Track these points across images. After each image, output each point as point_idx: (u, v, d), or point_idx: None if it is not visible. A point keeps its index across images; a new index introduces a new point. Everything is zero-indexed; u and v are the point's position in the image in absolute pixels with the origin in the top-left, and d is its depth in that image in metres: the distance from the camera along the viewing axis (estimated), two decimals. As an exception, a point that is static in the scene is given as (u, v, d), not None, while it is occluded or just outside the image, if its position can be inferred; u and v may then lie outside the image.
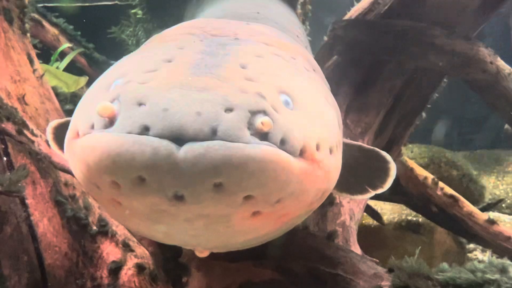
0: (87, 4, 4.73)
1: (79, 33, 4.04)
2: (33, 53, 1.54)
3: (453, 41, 1.72)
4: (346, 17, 2.06)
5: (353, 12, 2.02)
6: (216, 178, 0.59)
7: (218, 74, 0.65)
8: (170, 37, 0.86)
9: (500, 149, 4.48)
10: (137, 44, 3.46)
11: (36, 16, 3.86)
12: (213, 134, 0.59)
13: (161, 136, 0.59)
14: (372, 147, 1.10)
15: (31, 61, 1.49)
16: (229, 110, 0.62)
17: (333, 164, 0.77)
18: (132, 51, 3.52)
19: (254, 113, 0.63)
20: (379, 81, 1.91)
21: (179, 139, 0.58)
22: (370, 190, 1.09)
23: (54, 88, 1.61)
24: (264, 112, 0.63)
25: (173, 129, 0.59)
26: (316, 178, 0.70)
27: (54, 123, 1.02)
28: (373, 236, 2.59)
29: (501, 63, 1.79)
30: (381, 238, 2.60)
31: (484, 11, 1.81)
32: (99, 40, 4.10)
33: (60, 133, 1.05)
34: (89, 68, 4.05)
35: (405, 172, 2.37)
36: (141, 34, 3.23)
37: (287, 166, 0.63)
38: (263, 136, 0.62)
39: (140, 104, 0.61)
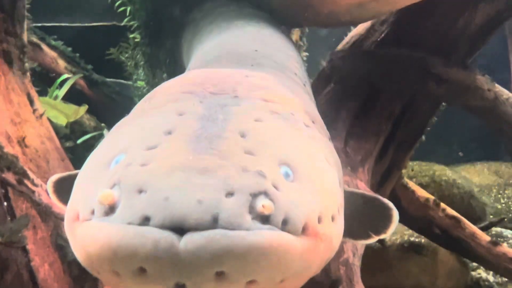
0: (85, 25, 4.76)
1: (77, 54, 4.06)
2: (33, 92, 1.54)
3: (451, 70, 1.73)
4: (343, 42, 2.08)
5: (349, 38, 2.04)
6: (218, 268, 0.59)
7: (218, 149, 0.65)
8: (171, 95, 0.85)
9: (501, 162, 4.49)
10: (136, 67, 3.47)
11: (35, 39, 3.88)
12: (214, 222, 0.59)
13: (162, 226, 0.59)
14: (374, 195, 1.09)
15: (31, 101, 1.49)
16: (230, 194, 0.61)
17: (336, 231, 0.76)
18: (130, 73, 3.50)
19: (255, 195, 0.63)
20: (378, 107, 1.92)
21: (181, 228, 0.58)
22: (373, 235, 1.09)
23: (53, 125, 1.61)
24: (265, 193, 0.63)
25: (174, 219, 0.59)
26: (320, 251, 0.70)
27: (54, 177, 1.02)
28: (376, 258, 2.57)
29: (499, 89, 1.80)
30: (384, 259, 2.59)
31: (480, 36, 1.82)
32: (97, 61, 4.12)
33: (60, 186, 1.04)
34: (88, 90, 4.07)
35: (406, 194, 2.37)
36: (139, 57, 3.24)
37: (290, 248, 0.63)
38: (265, 218, 0.62)
39: (140, 192, 0.61)
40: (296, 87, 1.21)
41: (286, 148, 0.72)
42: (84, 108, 2.38)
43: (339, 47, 2.01)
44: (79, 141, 2.27)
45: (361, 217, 1.06)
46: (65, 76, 2.82)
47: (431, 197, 2.41)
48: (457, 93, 1.77)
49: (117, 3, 2.94)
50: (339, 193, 0.80)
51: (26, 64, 1.57)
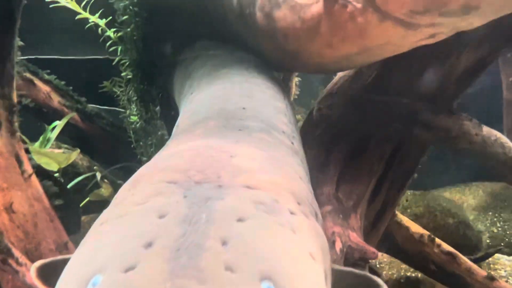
0: (78, 58, 4.80)
1: (71, 88, 4.07)
2: (21, 152, 1.54)
3: (438, 116, 1.75)
4: (333, 82, 2.09)
5: (338, 78, 2.06)
6: None
7: (198, 267, 0.65)
8: (154, 186, 0.85)
9: (495, 182, 4.50)
10: (129, 103, 3.48)
11: (28, 75, 3.90)
12: None
13: None
14: (363, 273, 1.09)
15: (20, 163, 1.49)
16: None
17: None
18: (123, 107, 3.49)
19: None
20: (369, 150, 1.93)
21: None
22: None
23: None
24: None
25: None
26: None
27: (38, 263, 1.00)
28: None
29: (486, 131, 1.81)
30: (381, 295, 2.56)
31: (465, 80, 1.85)
32: (91, 93, 4.13)
33: (45, 271, 1.03)
34: (82, 123, 4.07)
35: (401, 231, 2.36)
36: (131, 93, 3.26)
37: None
38: None
39: None
40: (282, 154, 1.21)
41: (268, 258, 0.71)
42: (76, 153, 2.38)
43: (329, 87, 2.03)
44: (69, 186, 2.26)
45: None
46: (56, 123, 2.81)
47: (426, 233, 2.41)
48: (444, 139, 1.78)
49: (108, 44, 2.97)
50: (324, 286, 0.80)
51: (16, 124, 1.57)
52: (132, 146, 3.45)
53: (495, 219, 3.80)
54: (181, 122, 1.55)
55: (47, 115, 3.93)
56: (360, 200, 1.90)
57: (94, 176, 2.78)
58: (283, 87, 2.02)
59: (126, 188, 0.94)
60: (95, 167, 2.86)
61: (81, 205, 2.40)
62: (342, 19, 1.49)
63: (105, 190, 2.72)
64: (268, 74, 1.93)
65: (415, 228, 2.42)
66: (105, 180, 2.76)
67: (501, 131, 1.98)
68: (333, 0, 1.48)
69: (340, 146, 1.89)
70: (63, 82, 4.07)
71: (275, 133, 1.35)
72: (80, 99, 4.17)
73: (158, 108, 3.45)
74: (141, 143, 3.53)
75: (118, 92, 3.61)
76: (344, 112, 1.83)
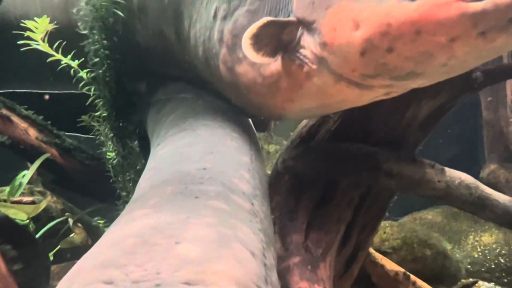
0: (56, 92, 4.78)
1: (49, 122, 4.05)
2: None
3: (400, 165, 1.78)
4: (302, 124, 2.11)
5: (303, 126, 2.08)
6: None
7: None
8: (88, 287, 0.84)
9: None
10: (105, 138, 3.46)
11: (4, 111, 3.87)
12: None
13: None
14: None
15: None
16: None
17: None
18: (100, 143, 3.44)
19: None
20: (337, 197, 1.93)
21: None
22: None
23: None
24: None
25: None
26: None
27: None
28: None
29: (450, 176, 1.84)
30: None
31: (427, 127, 1.88)
32: (69, 127, 4.10)
33: None
34: (61, 159, 4.03)
35: (376, 270, 2.36)
36: (107, 131, 3.25)
37: None
38: None
39: None
40: (236, 226, 1.20)
41: None
42: (45, 202, 2.35)
43: (293, 136, 2.04)
44: (38, 235, 2.22)
45: None
46: (24, 173, 2.77)
47: (401, 270, 2.41)
48: (408, 186, 1.81)
49: (81, 84, 2.96)
50: None
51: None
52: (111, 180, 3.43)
53: (476, 243, 3.82)
54: (142, 182, 1.55)
55: (25, 151, 3.89)
56: (329, 248, 1.90)
57: (66, 222, 2.74)
58: (251, 133, 2.03)
59: (62, 286, 0.92)
60: (66, 214, 2.82)
61: (52, 253, 2.36)
62: (299, 78, 1.52)
63: (77, 235, 2.68)
64: (235, 121, 1.95)
65: (390, 265, 2.42)
66: (79, 225, 2.73)
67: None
68: (290, 60, 1.50)
69: (308, 194, 1.89)
70: (41, 117, 4.04)
71: (233, 197, 1.35)
72: (59, 133, 4.15)
73: (136, 142, 3.44)
74: (119, 178, 3.51)
75: (97, 126, 3.60)
76: (309, 161, 1.84)
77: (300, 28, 1.46)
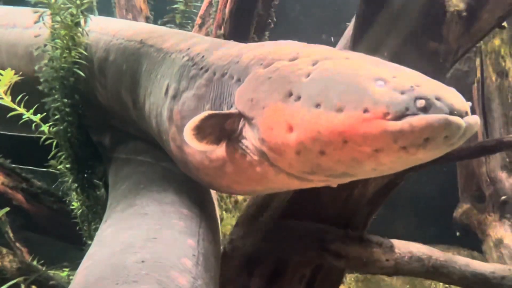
0: (24, 135, 4.70)
1: (19, 166, 3.96)
2: None
3: (347, 246, 1.78)
4: (244, 209, 2.09)
5: (250, 204, 2.08)
6: None
7: None
8: None
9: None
10: (69, 189, 3.40)
11: (-32, 156, 3.80)
12: None
13: None
14: None
15: None
16: None
17: None
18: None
19: None
20: (288, 273, 1.92)
21: None
22: None
23: None
24: None
25: None
26: None
27: None
28: None
29: (399, 252, 1.85)
30: None
31: (377, 199, 1.90)
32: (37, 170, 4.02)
33: None
34: (27, 204, 3.93)
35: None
36: (70, 183, 3.19)
37: None
38: None
39: None
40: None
41: None
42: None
43: (241, 216, 2.04)
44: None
45: None
46: None
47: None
48: (356, 266, 1.81)
49: (42, 139, 2.92)
50: None
51: None
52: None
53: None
54: (79, 274, 1.51)
55: (-10, 198, 3.79)
56: (281, 325, 1.88)
57: (26, 278, 2.65)
58: (204, 203, 2.01)
59: None
60: (17, 279, 2.72)
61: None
62: (243, 166, 1.53)
63: (31, 300, 2.59)
64: (188, 192, 1.93)
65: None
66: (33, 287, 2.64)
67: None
68: (233, 149, 1.52)
69: (259, 270, 1.88)
70: (8, 161, 3.97)
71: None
72: (27, 176, 4.07)
73: (102, 190, 3.39)
74: (85, 227, 3.44)
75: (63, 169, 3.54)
76: (256, 244, 1.83)
77: (242, 120, 1.47)
